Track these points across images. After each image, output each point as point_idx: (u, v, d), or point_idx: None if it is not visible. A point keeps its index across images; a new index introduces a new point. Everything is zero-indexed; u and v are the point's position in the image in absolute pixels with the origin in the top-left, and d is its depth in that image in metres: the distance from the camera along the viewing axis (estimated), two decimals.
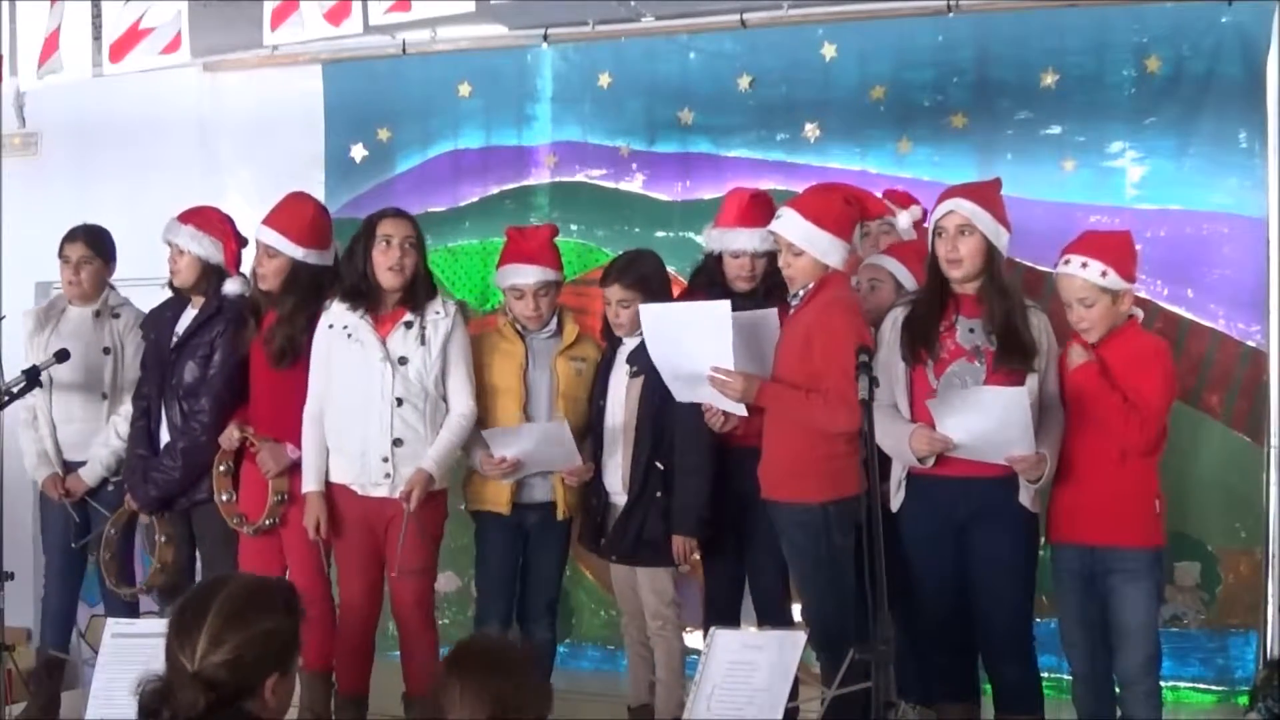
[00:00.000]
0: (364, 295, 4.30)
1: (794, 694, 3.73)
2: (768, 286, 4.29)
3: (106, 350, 4.98)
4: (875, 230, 4.52)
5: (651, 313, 4.15)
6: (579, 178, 5.56)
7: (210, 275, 4.67)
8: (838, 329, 3.83)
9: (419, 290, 4.34)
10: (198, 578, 4.74)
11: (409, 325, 4.30)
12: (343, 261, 4.43)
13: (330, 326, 4.34)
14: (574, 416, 4.45)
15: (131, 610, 4.85)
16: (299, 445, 4.40)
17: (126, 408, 4.87)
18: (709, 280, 4.43)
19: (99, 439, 4.94)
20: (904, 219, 4.43)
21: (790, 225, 3.97)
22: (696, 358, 3.99)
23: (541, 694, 2.53)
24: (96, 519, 4.92)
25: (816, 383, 3.85)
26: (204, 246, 4.64)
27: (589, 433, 4.52)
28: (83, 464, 4.96)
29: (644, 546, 4.35)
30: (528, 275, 4.47)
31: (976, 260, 3.89)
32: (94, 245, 5.03)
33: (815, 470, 3.89)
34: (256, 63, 5.85)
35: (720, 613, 4.36)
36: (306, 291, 4.44)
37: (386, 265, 4.28)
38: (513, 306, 4.54)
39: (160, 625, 3.29)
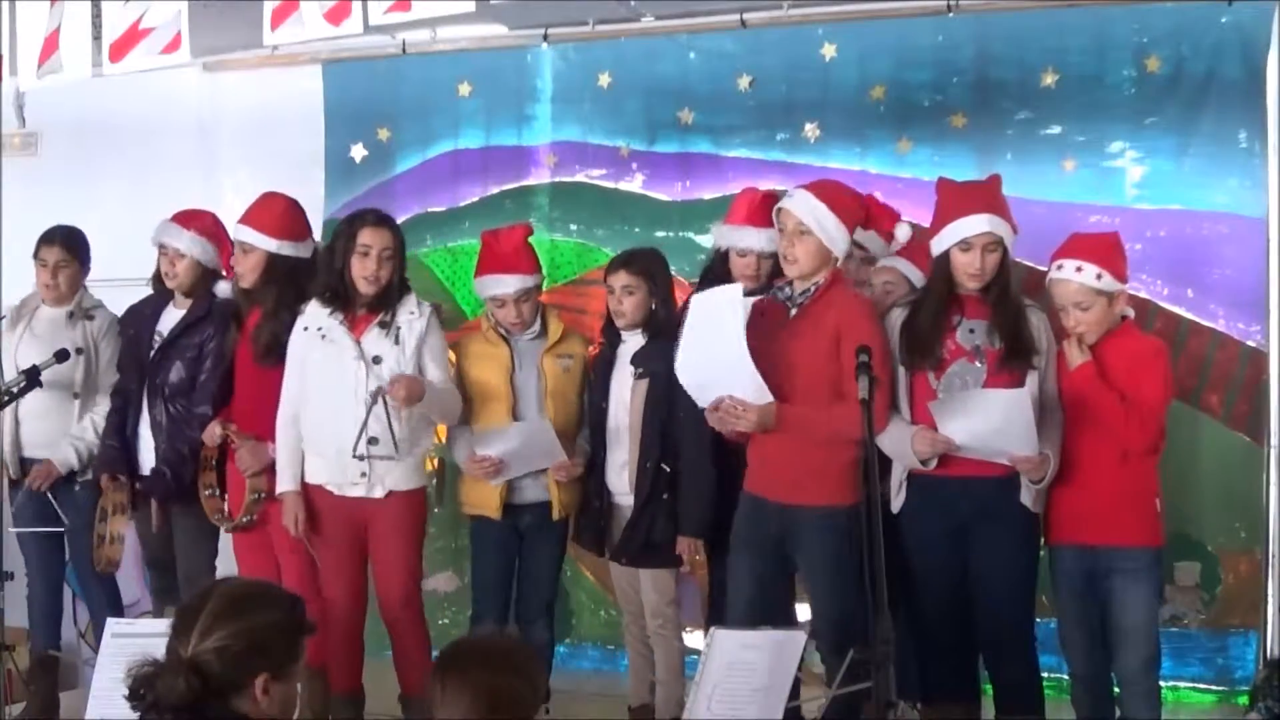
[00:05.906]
0: (340, 297, 4.30)
1: (794, 693, 3.73)
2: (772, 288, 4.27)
3: (79, 350, 4.92)
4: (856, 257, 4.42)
5: (699, 304, 3.93)
6: (579, 178, 5.56)
7: (207, 279, 4.72)
8: (875, 331, 3.81)
9: (390, 296, 4.32)
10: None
11: (383, 325, 4.30)
12: (320, 258, 4.45)
13: (305, 329, 4.33)
14: (565, 414, 4.45)
15: (112, 601, 4.90)
16: None
17: (103, 409, 4.84)
18: (715, 280, 4.42)
19: (74, 431, 4.89)
20: (903, 231, 4.32)
21: (801, 202, 3.90)
22: (714, 355, 3.85)
23: (535, 688, 2.52)
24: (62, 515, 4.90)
25: (842, 382, 3.81)
26: (207, 252, 4.69)
27: (581, 429, 4.52)
28: (40, 462, 4.90)
29: (651, 549, 4.35)
30: (507, 285, 4.45)
31: (995, 271, 3.89)
32: (71, 249, 4.98)
33: (846, 474, 3.83)
34: (256, 63, 5.85)
35: (721, 613, 4.35)
36: (285, 285, 4.44)
37: (362, 274, 4.27)
38: (495, 313, 4.52)
39: (161, 625, 3.30)
